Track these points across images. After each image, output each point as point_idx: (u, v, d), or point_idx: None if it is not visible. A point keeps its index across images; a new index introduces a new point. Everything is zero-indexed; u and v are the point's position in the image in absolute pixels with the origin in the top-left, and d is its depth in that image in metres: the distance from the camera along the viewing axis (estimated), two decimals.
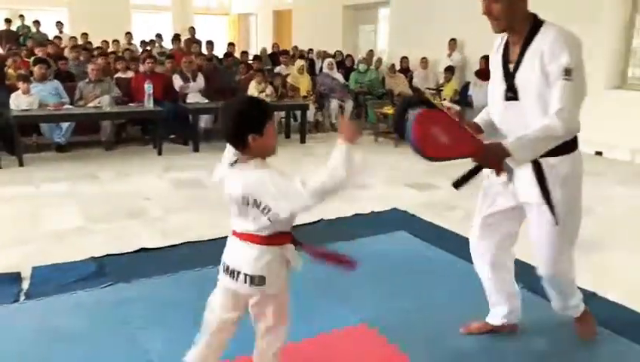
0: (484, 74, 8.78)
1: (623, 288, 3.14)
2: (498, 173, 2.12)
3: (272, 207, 1.77)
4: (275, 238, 1.86)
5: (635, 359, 2.49)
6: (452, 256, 3.62)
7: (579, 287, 2.52)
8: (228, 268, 1.90)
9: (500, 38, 2.29)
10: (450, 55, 9.53)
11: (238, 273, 1.86)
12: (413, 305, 2.95)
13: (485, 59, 8.69)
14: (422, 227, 4.25)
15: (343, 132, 1.77)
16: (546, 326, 2.72)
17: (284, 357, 2.05)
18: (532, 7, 2.15)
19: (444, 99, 9.02)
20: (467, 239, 2.58)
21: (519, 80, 2.15)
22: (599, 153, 6.05)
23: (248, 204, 1.81)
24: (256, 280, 1.85)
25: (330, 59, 9.82)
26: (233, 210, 1.88)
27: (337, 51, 11.20)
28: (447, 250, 3.73)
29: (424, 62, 9.82)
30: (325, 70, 9.55)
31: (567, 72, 1.98)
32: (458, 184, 2.21)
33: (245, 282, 1.86)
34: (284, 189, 1.75)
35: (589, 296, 3.04)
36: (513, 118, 2.19)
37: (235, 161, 1.88)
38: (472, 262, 2.58)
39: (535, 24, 2.12)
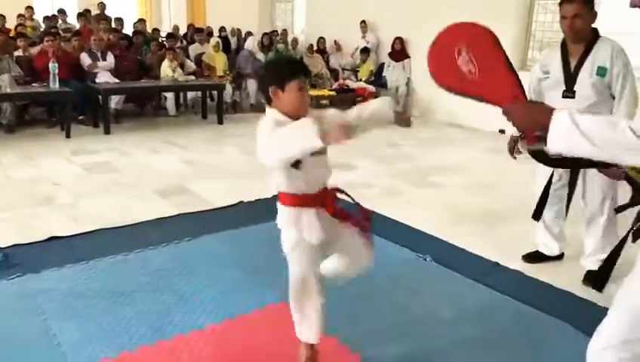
0: (396, 55, 9.02)
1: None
2: (528, 142, 1.62)
3: None
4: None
5: (533, 322, 2.71)
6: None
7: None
8: None
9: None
10: (364, 37, 9.68)
11: None
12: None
13: (399, 40, 8.92)
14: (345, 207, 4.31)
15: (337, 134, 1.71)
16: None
17: (206, 338, 2.03)
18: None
19: (360, 80, 9.19)
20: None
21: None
22: (502, 131, 6.43)
23: None
24: None
25: (257, 38, 9.61)
26: None
27: (274, 31, 10.87)
28: None
29: (337, 44, 9.97)
30: (249, 49, 9.36)
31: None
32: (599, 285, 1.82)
33: None
34: None
35: (493, 265, 3.27)
36: None
37: None
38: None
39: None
